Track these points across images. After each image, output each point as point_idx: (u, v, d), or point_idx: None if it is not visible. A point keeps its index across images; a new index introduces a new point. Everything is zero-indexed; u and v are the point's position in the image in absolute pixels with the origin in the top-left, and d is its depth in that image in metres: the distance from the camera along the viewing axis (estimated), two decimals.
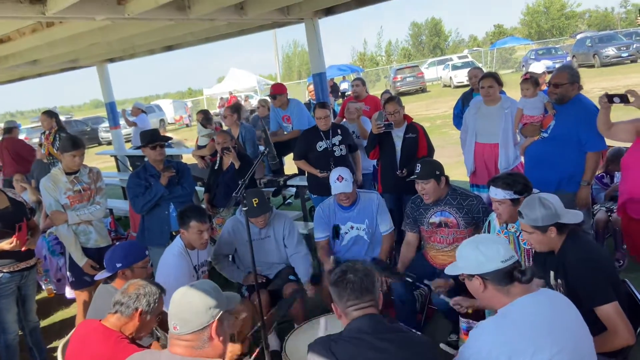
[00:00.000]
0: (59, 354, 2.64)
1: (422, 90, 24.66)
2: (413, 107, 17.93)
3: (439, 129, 12.66)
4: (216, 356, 1.67)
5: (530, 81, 3.98)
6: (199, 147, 6.34)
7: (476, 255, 1.84)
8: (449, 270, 1.99)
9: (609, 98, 3.15)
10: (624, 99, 3.11)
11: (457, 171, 7.49)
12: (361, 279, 1.79)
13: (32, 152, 7.29)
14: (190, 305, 1.66)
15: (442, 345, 2.33)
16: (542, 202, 2.27)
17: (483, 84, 4.23)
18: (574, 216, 2.30)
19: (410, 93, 24.08)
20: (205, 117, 6.70)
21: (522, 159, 4.17)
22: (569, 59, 21.91)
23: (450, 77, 24.10)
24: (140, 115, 9.00)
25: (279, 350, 3.33)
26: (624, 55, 20.60)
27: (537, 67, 5.87)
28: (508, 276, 1.79)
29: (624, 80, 15.23)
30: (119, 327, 2.21)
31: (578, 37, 28.13)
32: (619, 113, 3.67)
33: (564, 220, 2.26)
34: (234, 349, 2.31)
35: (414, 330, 1.88)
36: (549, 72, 5.77)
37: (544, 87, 5.09)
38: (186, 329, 1.64)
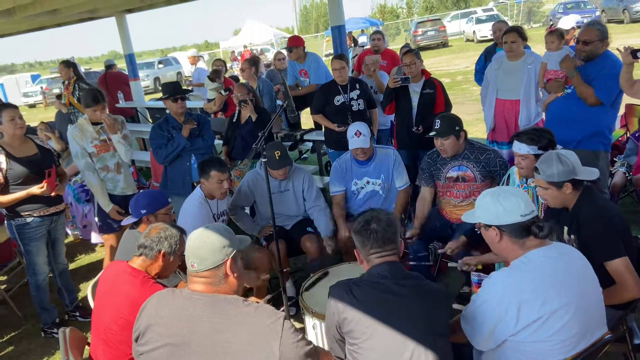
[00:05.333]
0: (88, 293, 2.80)
1: (444, 44, 24.00)
2: (434, 62, 17.56)
3: (459, 85, 12.45)
4: (232, 292, 1.79)
5: (556, 34, 3.89)
6: (208, 101, 6.37)
7: (496, 207, 1.86)
8: (466, 218, 2.02)
9: (633, 54, 3.07)
10: None
11: (476, 128, 7.46)
12: (384, 228, 1.85)
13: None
14: (206, 244, 1.77)
15: (455, 306, 2.41)
16: (560, 158, 2.27)
17: (506, 39, 4.13)
18: (590, 173, 2.32)
19: (431, 47, 23.49)
20: (214, 71, 6.67)
21: (544, 115, 4.13)
22: (597, 13, 21.01)
23: (474, 31, 23.35)
24: (198, 65, 9.41)
25: (294, 296, 3.49)
26: None
27: (567, 22, 5.68)
28: (525, 230, 1.83)
29: None
30: (145, 268, 2.33)
31: None
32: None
33: (580, 176, 2.28)
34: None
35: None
36: (579, 27, 5.60)
37: (572, 43, 4.96)
38: (203, 266, 1.75)
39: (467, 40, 24.76)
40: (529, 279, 1.77)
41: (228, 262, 1.78)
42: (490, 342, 1.80)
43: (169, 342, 1.72)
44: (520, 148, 2.74)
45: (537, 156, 2.68)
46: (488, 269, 2.65)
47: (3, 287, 4.32)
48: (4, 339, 3.80)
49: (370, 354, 1.71)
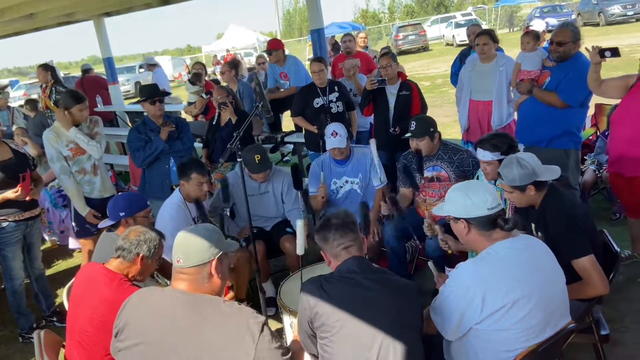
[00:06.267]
0: (64, 296, 2.79)
1: (424, 48, 24.31)
2: (414, 66, 17.75)
3: (439, 88, 12.62)
4: (214, 293, 1.79)
5: (531, 35, 4.00)
6: (189, 104, 6.38)
7: (464, 201, 1.93)
8: (437, 211, 2.09)
9: (601, 53, 3.16)
10: (615, 52, 3.13)
11: (454, 130, 7.56)
12: (343, 218, 1.93)
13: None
14: (194, 242, 1.78)
15: (429, 264, 2.45)
16: (520, 162, 2.35)
17: (478, 41, 4.24)
18: (551, 172, 2.39)
19: (412, 52, 23.77)
20: (195, 74, 6.68)
21: (515, 115, 4.23)
22: (573, 16, 21.50)
23: (453, 36, 23.74)
24: (156, 70, 9.22)
25: (274, 296, 3.51)
26: (630, 13, 20.11)
27: (538, 25, 5.85)
28: (491, 223, 1.90)
29: (628, 39, 14.98)
30: (122, 271, 2.34)
31: None
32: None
33: (541, 178, 2.36)
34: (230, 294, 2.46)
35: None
36: (549, 31, 5.75)
37: (544, 44, 5.10)
38: (188, 263, 1.75)
39: (447, 44, 25.12)
40: (494, 269, 1.83)
41: (214, 262, 1.78)
42: (459, 332, 1.85)
43: (147, 340, 1.72)
44: (484, 155, 2.81)
45: (500, 161, 2.73)
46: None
47: None
48: None
49: (340, 348, 1.75)
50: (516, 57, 4.10)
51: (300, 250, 2.66)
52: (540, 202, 2.42)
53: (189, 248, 1.78)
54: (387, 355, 1.72)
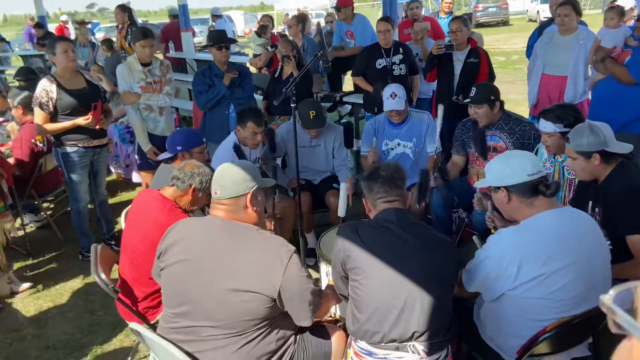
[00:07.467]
0: (122, 218, 3.00)
1: (504, 22, 23.03)
2: (491, 40, 16.88)
3: (513, 65, 12.02)
4: (250, 222, 1.88)
5: (616, 10, 3.74)
6: (254, 56, 6.45)
7: (503, 168, 1.89)
8: (479, 184, 2.05)
9: None
10: None
11: (522, 107, 7.20)
12: (392, 173, 1.92)
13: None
14: (230, 175, 1.87)
15: (474, 238, 2.42)
16: (592, 128, 2.22)
17: (559, 12, 3.99)
18: (622, 147, 2.25)
19: (490, 25, 22.59)
20: (262, 26, 6.71)
21: (590, 95, 3.99)
22: None
23: (538, 11, 22.22)
24: (218, 21, 9.38)
25: (314, 248, 3.60)
26: None
27: (625, 1, 5.40)
28: (533, 189, 1.83)
29: None
30: (174, 198, 2.48)
31: None
32: None
33: (610, 148, 2.21)
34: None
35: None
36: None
37: (630, 22, 4.73)
38: (225, 194, 1.85)
39: (530, 20, 23.62)
40: (535, 237, 1.78)
41: (249, 195, 1.86)
42: (483, 288, 1.84)
43: (185, 258, 1.83)
44: (545, 126, 2.67)
45: (563, 134, 2.61)
46: None
47: (49, 212, 4.64)
48: (45, 258, 4.12)
49: (369, 292, 1.78)
50: (597, 33, 3.84)
51: (341, 212, 2.69)
52: (606, 176, 2.28)
53: (225, 181, 1.87)
54: (414, 306, 1.74)
